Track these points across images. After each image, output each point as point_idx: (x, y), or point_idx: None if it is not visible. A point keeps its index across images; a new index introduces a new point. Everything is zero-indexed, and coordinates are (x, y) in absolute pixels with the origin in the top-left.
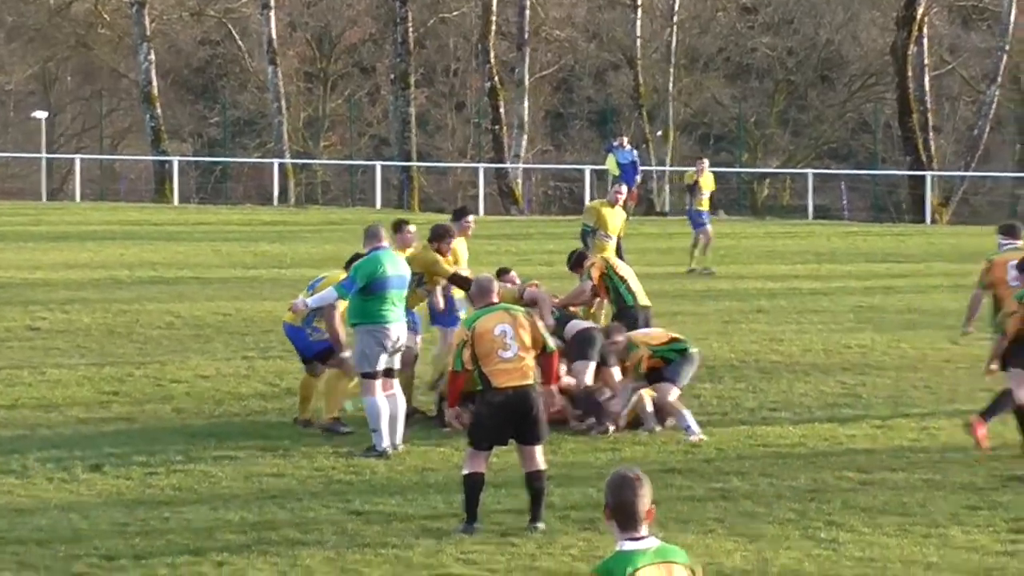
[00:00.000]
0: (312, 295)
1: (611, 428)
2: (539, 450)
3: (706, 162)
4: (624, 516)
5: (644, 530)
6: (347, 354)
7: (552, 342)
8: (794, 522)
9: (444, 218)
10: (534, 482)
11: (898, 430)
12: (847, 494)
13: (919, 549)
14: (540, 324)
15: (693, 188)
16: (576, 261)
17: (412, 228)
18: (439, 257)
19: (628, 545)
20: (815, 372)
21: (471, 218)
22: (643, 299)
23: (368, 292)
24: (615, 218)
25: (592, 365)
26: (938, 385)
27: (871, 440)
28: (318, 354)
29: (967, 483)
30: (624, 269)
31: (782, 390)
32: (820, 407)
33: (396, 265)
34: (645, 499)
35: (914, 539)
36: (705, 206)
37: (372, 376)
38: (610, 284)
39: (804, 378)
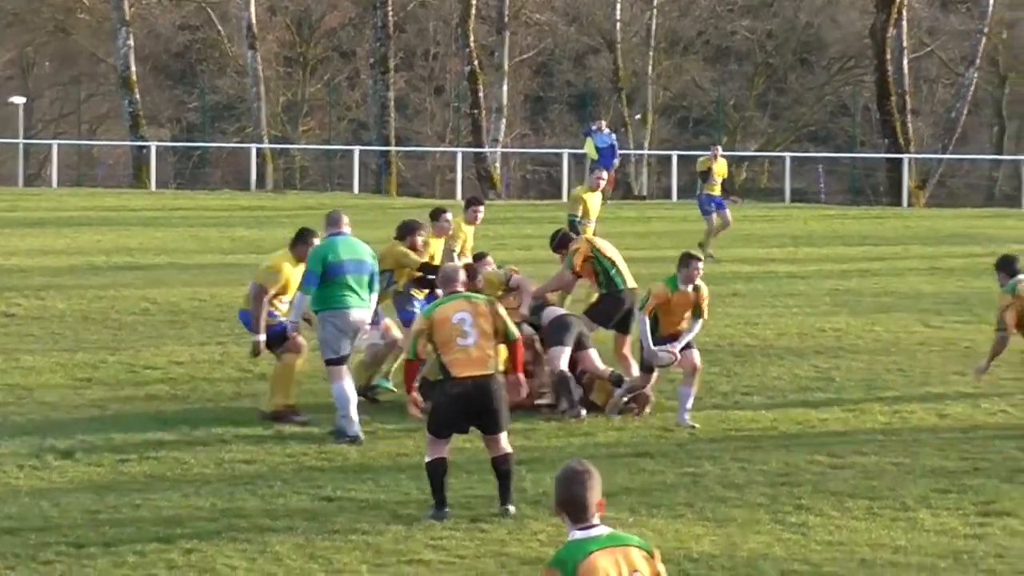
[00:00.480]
0: (288, 305)
1: (583, 413)
2: (503, 435)
3: (719, 148)
4: (575, 509)
5: (595, 520)
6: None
7: (515, 330)
8: (764, 506)
9: (422, 202)
10: (500, 465)
11: (870, 413)
12: (818, 478)
13: (887, 532)
14: (503, 312)
15: (707, 175)
16: (560, 242)
17: (449, 216)
18: (407, 250)
19: (579, 534)
20: (789, 356)
21: (480, 207)
22: (631, 282)
23: (325, 279)
24: (594, 202)
25: (567, 351)
26: (911, 368)
27: (843, 423)
28: (269, 340)
29: (937, 467)
30: (611, 251)
31: (756, 374)
32: (793, 391)
33: (352, 250)
34: (595, 491)
35: (883, 522)
36: (717, 191)
37: (338, 362)
38: (598, 267)
39: (778, 362)
